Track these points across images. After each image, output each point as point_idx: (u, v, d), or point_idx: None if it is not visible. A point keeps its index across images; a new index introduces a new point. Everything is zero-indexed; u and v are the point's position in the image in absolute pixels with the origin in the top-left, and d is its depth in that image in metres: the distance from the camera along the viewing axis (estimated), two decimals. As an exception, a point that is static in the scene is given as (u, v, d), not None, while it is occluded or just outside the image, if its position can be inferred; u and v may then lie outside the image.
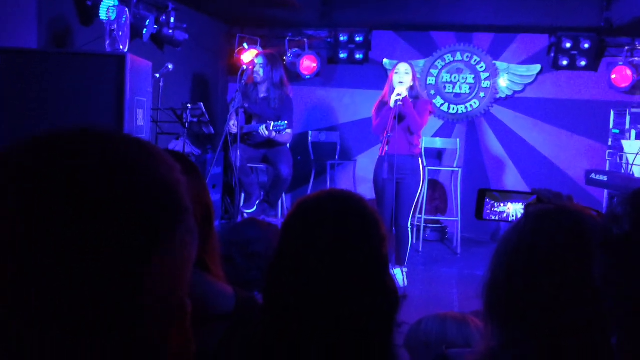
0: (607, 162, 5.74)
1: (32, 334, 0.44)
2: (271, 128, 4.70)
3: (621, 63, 6.00)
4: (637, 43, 6.07)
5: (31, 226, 0.43)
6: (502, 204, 1.40)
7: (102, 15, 3.90)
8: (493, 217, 1.42)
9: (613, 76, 6.02)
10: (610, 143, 5.86)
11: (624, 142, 5.03)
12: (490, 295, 1.05)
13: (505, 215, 1.41)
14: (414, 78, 4.39)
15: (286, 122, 4.75)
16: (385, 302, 1.01)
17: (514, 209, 1.39)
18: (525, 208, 1.11)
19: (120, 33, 3.78)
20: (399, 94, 4.20)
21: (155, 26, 4.74)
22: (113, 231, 0.44)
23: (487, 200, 1.39)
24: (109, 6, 3.90)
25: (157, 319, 0.47)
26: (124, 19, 3.82)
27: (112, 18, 3.79)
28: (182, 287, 0.49)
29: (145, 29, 4.46)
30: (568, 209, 1.05)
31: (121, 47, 3.71)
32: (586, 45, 6.07)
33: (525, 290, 0.99)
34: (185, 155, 1.43)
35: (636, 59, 6.02)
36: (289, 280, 1.00)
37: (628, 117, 5.55)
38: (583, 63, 6.14)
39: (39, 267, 0.43)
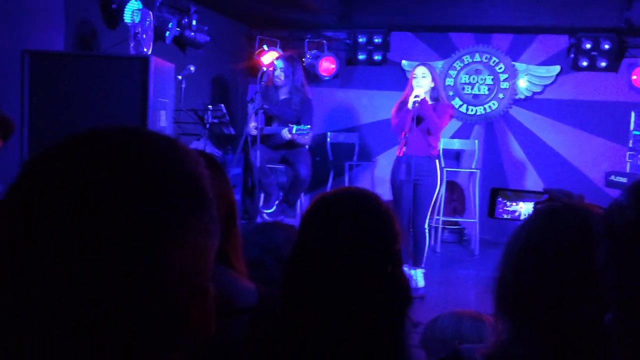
0: (628, 163, 5.69)
1: (34, 334, 0.46)
2: (294, 132, 4.75)
3: (642, 64, 5.95)
4: (658, 44, 6.01)
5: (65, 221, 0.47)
6: (514, 203, 1.43)
7: (127, 18, 4.00)
8: (505, 216, 1.45)
9: (634, 77, 5.98)
10: (630, 144, 5.81)
11: (644, 144, 4.99)
12: (500, 291, 1.08)
13: (517, 214, 1.44)
14: (434, 79, 4.40)
15: (309, 126, 4.81)
16: (397, 298, 1.05)
17: (526, 208, 1.42)
18: (535, 206, 1.15)
19: (144, 36, 3.87)
20: (417, 96, 4.23)
21: (178, 29, 4.83)
22: (140, 219, 0.48)
23: (500, 199, 1.43)
24: (133, 10, 4.00)
25: (179, 299, 0.51)
26: (147, 22, 3.91)
27: (137, 21, 3.89)
28: (204, 272, 0.54)
29: (168, 32, 4.55)
30: (576, 207, 1.09)
31: (145, 49, 3.80)
32: (606, 46, 6.03)
33: (533, 287, 1.02)
34: (209, 154, 1.48)
35: (657, 59, 5.97)
36: (306, 275, 1.04)
37: (648, 119, 5.50)
38: (603, 64, 6.09)
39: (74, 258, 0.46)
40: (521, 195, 1.44)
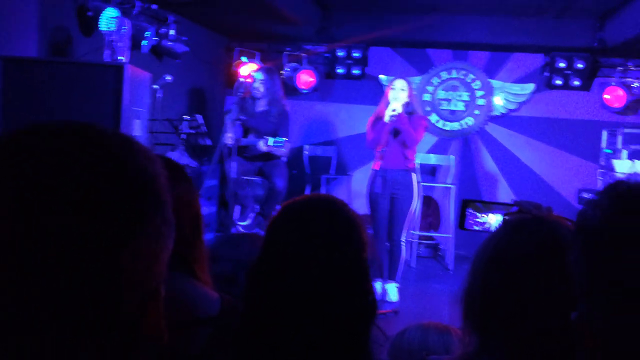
0: (599, 181, 5.79)
1: (12, 327, 0.45)
2: (270, 143, 4.74)
3: (614, 83, 6.08)
4: (629, 64, 6.16)
5: (8, 219, 0.45)
6: (484, 215, 1.44)
7: (103, 26, 3.96)
8: (475, 227, 1.45)
9: (606, 96, 6.10)
10: (602, 162, 5.92)
11: (615, 162, 5.09)
12: (467, 303, 1.08)
13: (487, 225, 1.44)
14: (410, 94, 4.44)
15: (286, 139, 4.80)
16: (363, 306, 1.04)
17: (496, 220, 1.42)
18: (503, 218, 1.15)
19: (120, 44, 3.83)
20: (394, 109, 4.26)
21: (155, 38, 4.79)
22: (91, 219, 0.46)
23: (470, 210, 1.43)
24: (110, 17, 3.96)
25: (130, 304, 0.49)
26: (123, 30, 3.88)
27: (113, 29, 3.85)
28: (157, 274, 0.52)
29: (145, 41, 4.51)
30: (544, 219, 1.09)
31: (120, 57, 3.76)
32: (580, 65, 6.16)
33: (500, 298, 1.02)
34: (177, 163, 1.46)
35: (629, 79, 6.11)
36: (271, 283, 1.02)
37: (620, 138, 5.62)
38: (577, 83, 6.22)
39: (19, 261, 0.44)
40: (491, 207, 1.45)
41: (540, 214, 1.18)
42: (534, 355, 0.99)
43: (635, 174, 5.09)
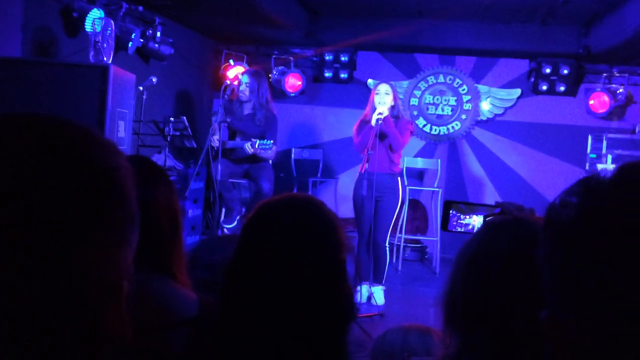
0: (584, 185, 5.82)
1: None
2: (257, 146, 4.73)
3: (599, 89, 6.14)
4: (614, 70, 6.22)
5: None
6: (467, 216, 1.43)
7: (88, 27, 3.92)
8: (459, 229, 1.44)
9: (591, 102, 6.16)
10: (587, 167, 5.96)
11: (600, 167, 5.13)
12: (448, 303, 1.07)
13: (470, 227, 1.44)
14: (395, 98, 4.45)
15: (272, 141, 4.79)
16: (341, 308, 1.03)
17: (479, 221, 1.42)
18: (484, 219, 1.14)
19: (105, 45, 3.80)
20: (380, 113, 4.26)
21: (142, 40, 4.77)
22: (43, 210, 0.45)
23: (453, 212, 1.42)
24: (95, 18, 3.93)
25: (89, 298, 0.48)
26: (109, 31, 3.85)
27: (98, 30, 3.82)
28: (118, 269, 0.51)
29: (131, 42, 4.49)
30: (525, 221, 1.09)
31: (105, 58, 3.74)
32: (565, 71, 6.21)
33: (480, 299, 1.02)
34: (156, 164, 1.44)
35: (613, 85, 6.17)
36: (247, 282, 1.01)
37: (605, 142, 5.67)
38: (562, 88, 6.27)
39: None
40: (474, 208, 1.44)
41: (522, 215, 1.18)
42: (515, 356, 0.99)
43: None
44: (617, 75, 6.21)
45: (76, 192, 0.47)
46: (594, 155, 5.87)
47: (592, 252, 0.48)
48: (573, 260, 0.50)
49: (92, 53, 3.73)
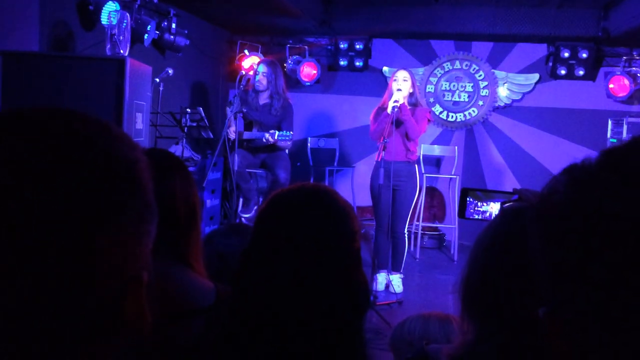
0: (605, 171, 5.75)
1: None
2: (276, 137, 4.74)
3: (619, 73, 6.04)
4: (634, 53, 6.11)
5: None
6: (484, 203, 1.42)
7: (104, 20, 3.95)
8: (476, 216, 1.44)
9: (611, 85, 6.06)
10: (607, 152, 5.87)
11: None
12: (466, 291, 1.07)
13: (488, 214, 1.43)
14: (413, 85, 4.42)
15: (291, 132, 4.80)
16: (354, 297, 1.03)
17: (497, 208, 1.41)
18: (501, 206, 1.14)
19: (121, 38, 3.83)
20: (396, 100, 4.24)
21: (157, 31, 4.79)
22: (65, 201, 0.46)
23: (470, 199, 1.42)
24: (111, 11, 3.96)
25: (110, 289, 0.49)
26: (125, 24, 3.87)
27: (114, 23, 3.85)
28: (138, 259, 0.52)
29: (146, 34, 4.51)
30: (542, 207, 1.08)
31: (121, 51, 3.76)
32: (584, 55, 6.11)
33: (498, 287, 1.01)
34: (173, 155, 1.46)
35: (634, 68, 6.06)
36: (260, 272, 1.02)
37: (625, 127, 5.58)
38: (581, 72, 6.17)
39: None
40: (491, 195, 1.44)
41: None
42: (531, 344, 0.99)
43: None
44: (637, 58, 6.09)
45: (96, 185, 0.48)
46: (614, 140, 5.79)
47: (581, 243, 0.46)
48: (563, 253, 0.48)
49: (108, 46, 3.76)
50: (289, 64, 6.52)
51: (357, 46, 6.58)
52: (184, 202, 1.25)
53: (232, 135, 4.75)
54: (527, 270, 1.01)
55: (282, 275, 1.00)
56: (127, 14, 3.98)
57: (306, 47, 6.63)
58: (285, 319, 0.99)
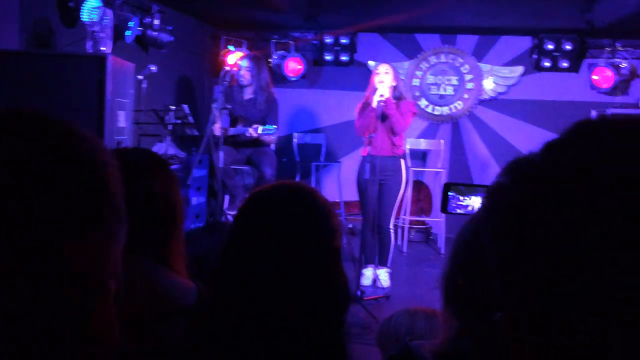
0: (589, 162, 5.79)
1: None
2: (260, 131, 4.72)
3: (602, 64, 6.07)
4: (617, 44, 6.15)
5: None
6: (467, 198, 1.42)
7: (85, 16, 3.90)
8: (458, 211, 1.44)
9: (594, 77, 6.10)
10: (592, 143, 5.91)
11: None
12: (447, 286, 1.07)
13: (470, 208, 1.43)
14: (396, 78, 4.41)
15: (275, 126, 4.78)
16: (334, 295, 1.02)
17: (479, 203, 1.41)
18: (482, 201, 1.13)
19: (103, 35, 3.78)
20: (382, 95, 4.23)
21: (140, 28, 4.74)
22: (28, 210, 0.44)
23: (452, 194, 1.42)
24: (92, 8, 3.91)
25: (76, 299, 0.47)
26: (106, 21, 3.83)
27: (95, 19, 3.80)
28: (106, 267, 0.50)
29: (129, 31, 4.46)
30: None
31: (103, 48, 3.72)
32: (568, 47, 6.15)
33: (480, 280, 1.01)
34: (154, 154, 1.44)
35: (617, 60, 6.10)
36: (240, 270, 1.01)
37: (609, 118, 5.62)
38: (565, 64, 6.21)
39: None
40: (474, 189, 1.43)
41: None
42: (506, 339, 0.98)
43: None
44: (621, 49, 6.14)
45: (59, 189, 0.46)
46: (598, 131, 5.83)
47: (524, 236, 0.45)
48: (512, 250, 0.47)
49: (90, 43, 3.72)
50: (274, 59, 6.49)
51: (343, 41, 6.57)
52: (163, 201, 1.24)
53: (218, 132, 4.72)
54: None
55: (261, 274, 0.99)
56: (109, 11, 3.93)
57: (291, 42, 6.60)
58: (266, 318, 0.98)
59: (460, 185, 1.45)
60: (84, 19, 3.90)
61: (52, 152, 0.47)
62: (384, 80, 4.31)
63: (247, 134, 4.78)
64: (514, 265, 0.46)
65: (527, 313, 0.46)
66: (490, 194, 0.50)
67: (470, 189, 1.45)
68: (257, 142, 4.93)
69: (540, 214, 0.45)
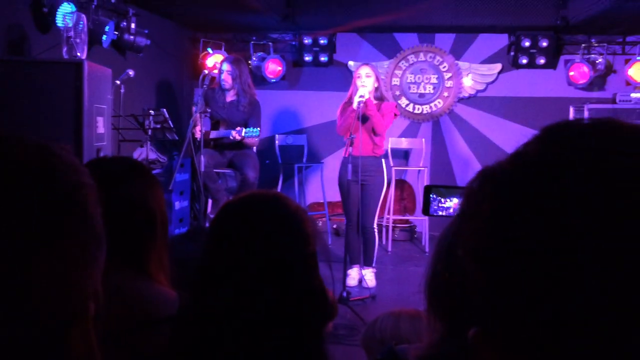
0: (568, 157, 5.86)
1: None
2: (242, 134, 4.70)
3: (578, 60, 6.15)
4: (592, 40, 6.23)
5: None
6: (448, 200, 1.43)
7: (59, 22, 3.84)
8: (440, 213, 1.44)
9: (571, 73, 6.17)
10: (570, 139, 5.98)
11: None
12: (431, 289, 1.07)
13: (451, 210, 1.43)
14: (378, 79, 4.42)
15: (258, 129, 4.76)
16: (311, 301, 1.02)
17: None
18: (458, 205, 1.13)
19: (78, 40, 3.73)
20: (362, 96, 4.24)
21: (116, 32, 4.68)
22: (1, 234, 0.43)
23: (434, 196, 1.42)
24: (66, 13, 3.85)
25: (54, 323, 0.46)
26: (81, 26, 3.78)
27: (70, 25, 3.74)
28: (84, 290, 0.49)
29: (105, 35, 4.41)
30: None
31: (79, 54, 3.67)
32: (544, 44, 6.21)
33: (460, 284, 1.01)
34: (134, 162, 1.41)
35: (592, 55, 6.18)
36: (217, 279, 1.00)
37: (586, 113, 5.70)
38: (542, 61, 6.27)
39: None
40: (454, 191, 1.44)
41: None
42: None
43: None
44: (596, 45, 6.22)
45: (34, 213, 0.45)
46: (576, 127, 5.90)
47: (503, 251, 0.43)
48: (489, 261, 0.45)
49: (65, 49, 3.66)
50: (254, 60, 6.47)
51: (321, 41, 6.57)
52: (141, 209, 1.22)
53: (198, 135, 4.69)
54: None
55: (237, 283, 0.98)
56: (84, 15, 3.88)
57: (270, 43, 6.58)
58: (245, 327, 0.97)
59: (441, 187, 1.45)
60: (58, 24, 3.84)
61: (25, 175, 0.46)
62: (365, 83, 4.31)
63: (231, 137, 4.75)
64: (485, 278, 0.45)
65: (500, 329, 0.44)
66: (464, 197, 0.49)
67: (451, 190, 1.45)
68: (239, 145, 4.91)
69: (508, 219, 0.44)
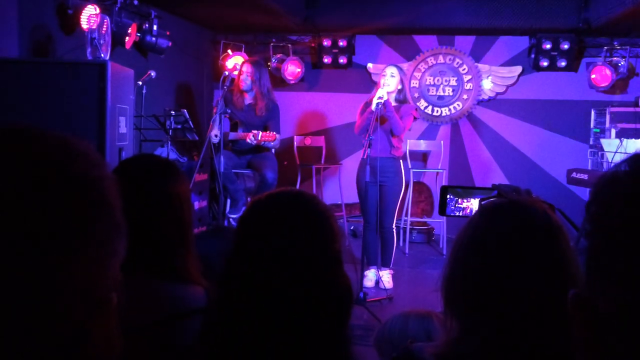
0: (589, 160, 5.81)
1: None
2: (259, 138, 4.72)
3: (600, 63, 6.08)
4: (615, 43, 6.16)
5: None
6: (465, 200, 1.44)
7: (83, 23, 3.92)
8: (457, 213, 1.45)
9: (593, 76, 6.10)
10: (591, 142, 5.93)
11: (603, 141, 5.10)
12: (448, 288, 1.08)
13: (468, 211, 1.44)
14: (402, 81, 4.42)
15: (278, 135, 4.79)
16: (334, 299, 1.04)
17: (476, 205, 1.42)
18: (480, 203, 1.15)
19: (102, 41, 3.80)
20: (380, 97, 4.24)
21: (138, 34, 4.76)
22: (26, 226, 0.44)
23: (451, 196, 1.43)
24: (90, 14, 3.92)
25: (76, 312, 0.47)
26: (105, 27, 3.85)
27: (94, 26, 3.82)
28: (107, 281, 0.50)
29: (127, 37, 4.48)
30: (520, 203, 1.09)
31: (102, 55, 3.74)
32: (565, 46, 6.16)
33: (480, 284, 1.02)
34: (170, 164, 1.45)
35: (615, 58, 6.11)
36: (245, 277, 1.02)
37: (607, 116, 5.63)
38: (563, 64, 6.21)
39: None
40: (471, 192, 1.45)
41: (517, 198, 1.18)
42: (516, 338, 1.00)
43: (625, 152, 5.11)
44: (618, 48, 6.15)
45: (57, 205, 0.46)
46: (597, 130, 5.84)
47: (616, 240, 0.48)
48: (602, 244, 0.50)
49: (89, 50, 3.73)
50: (273, 62, 6.51)
51: (340, 43, 6.58)
52: (175, 202, 1.26)
53: (215, 140, 4.73)
54: (508, 265, 1.02)
55: (265, 280, 1.00)
56: (107, 17, 3.95)
57: (290, 45, 6.62)
58: (272, 322, 1.00)
59: (457, 187, 1.46)
60: (83, 26, 3.92)
61: (48, 168, 0.47)
62: (389, 82, 4.32)
63: (248, 140, 4.79)
64: (605, 259, 0.49)
65: (605, 299, 0.48)
66: (603, 184, 0.53)
67: (467, 191, 1.47)
68: (257, 148, 4.94)
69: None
